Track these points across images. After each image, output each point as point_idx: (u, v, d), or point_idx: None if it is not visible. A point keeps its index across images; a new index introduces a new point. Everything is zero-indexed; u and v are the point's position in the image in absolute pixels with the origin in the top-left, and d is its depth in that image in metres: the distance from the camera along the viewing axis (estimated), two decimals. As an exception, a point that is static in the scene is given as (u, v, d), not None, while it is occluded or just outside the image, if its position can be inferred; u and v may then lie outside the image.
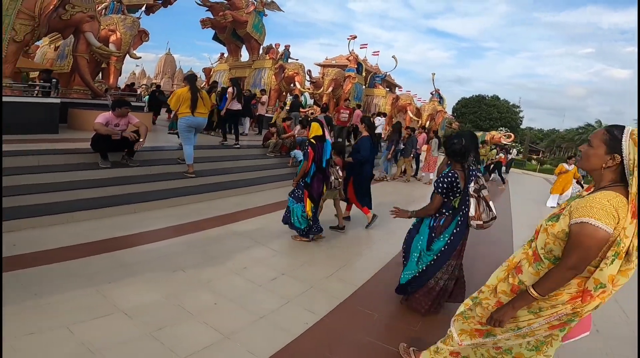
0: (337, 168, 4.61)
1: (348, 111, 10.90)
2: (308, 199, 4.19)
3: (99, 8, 10.25)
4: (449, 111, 35.14)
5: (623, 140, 1.44)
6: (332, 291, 3.26)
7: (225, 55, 18.56)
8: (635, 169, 1.41)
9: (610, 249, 1.42)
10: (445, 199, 2.77)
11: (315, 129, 4.25)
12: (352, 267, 3.89)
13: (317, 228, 4.39)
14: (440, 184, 2.73)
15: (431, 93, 22.41)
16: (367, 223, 5.20)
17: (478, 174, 2.75)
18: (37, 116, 6.33)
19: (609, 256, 1.43)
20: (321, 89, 16.02)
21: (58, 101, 6.74)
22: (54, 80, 7.45)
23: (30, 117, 6.21)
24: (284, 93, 15.83)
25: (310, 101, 17.91)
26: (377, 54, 29.69)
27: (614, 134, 1.48)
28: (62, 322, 2.30)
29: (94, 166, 5.13)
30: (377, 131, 9.97)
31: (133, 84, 16.43)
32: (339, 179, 4.55)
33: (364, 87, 19.12)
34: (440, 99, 22.09)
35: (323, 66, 28.92)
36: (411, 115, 19.18)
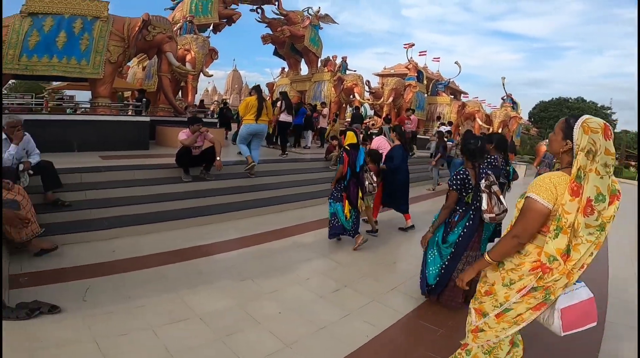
0: (372, 173, 4.86)
1: (412, 121, 10.70)
2: (347, 201, 4.52)
3: (175, 29, 11.39)
4: (525, 116, 32.36)
5: (575, 128, 1.62)
6: (395, 305, 3.25)
7: (286, 69, 19.40)
8: (580, 152, 1.57)
9: (552, 223, 1.62)
10: (459, 196, 3.05)
11: (350, 138, 4.67)
12: (416, 281, 3.82)
13: (355, 230, 4.61)
14: (454, 181, 3.04)
15: (502, 98, 20.93)
16: (406, 226, 5.57)
17: (488, 171, 3.03)
18: (131, 133, 7.28)
19: (551, 231, 1.62)
20: (381, 100, 15.93)
21: (148, 119, 7.66)
22: (144, 99, 8.46)
23: (126, 135, 7.17)
24: (344, 105, 16.05)
25: (371, 112, 17.86)
26: (438, 61, 28.65)
27: (569, 122, 1.66)
28: (148, 324, 2.61)
29: (178, 180, 5.74)
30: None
31: (202, 101, 17.67)
32: (374, 184, 4.78)
33: (425, 95, 18.64)
34: (514, 104, 20.53)
35: (382, 75, 28.64)
36: (480, 122, 18.13)
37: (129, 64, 11.58)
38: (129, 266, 3.57)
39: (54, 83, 15.16)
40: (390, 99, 15.72)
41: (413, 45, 18.24)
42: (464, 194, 3.04)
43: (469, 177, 3.02)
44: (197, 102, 13.21)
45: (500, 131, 17.91)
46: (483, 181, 2.95)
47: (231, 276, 3.54)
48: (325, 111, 12.44)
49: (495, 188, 2.96)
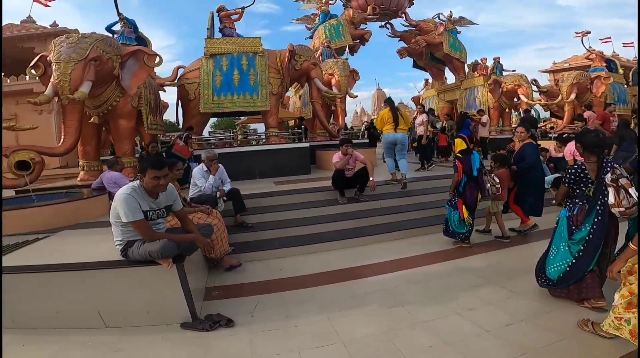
0: (493, 176, 4.82)
1: (616, 119, 8.38)
2: (463, 207, 4.55)
3: (316, 55, 12.28)
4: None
5: None
6: (597, 346, 2.43)
7: (430, 81, 18.31)
8: None
9: None
10: (575, 190, 3.06)
11: (460, 144, 4.69)
12: None
13: (467, 235, 4.68)
14: (567, 176, 3.08)
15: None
16: (523, 229, 5.12)
17: (615, 165, 2.86)
18: (295, 159, 8.20)
19: None
20: (559, 98, 12.88)
21: (307, 145, 8.50)
22: (302, 127, 9.46)
23: (291, 161, 8.12)
24: (506, 110, 13.87)
25: (545, 114, 14.85)
26: (631, 46, 21.82)
27: None
28: (296, 345, 2.70)
29: (334, 202, 6.06)
30: None
31: (345, 125, 18.27)
32: (496, 186, 4.70)
33: (625, 86, 14.39)
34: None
35: (552, 71, 23.60)
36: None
37: (287, 94, 13.09)
38: (290, 285, 3.87)
39: (241, 118, 18.60)
40: (573, 95, 12.51)
41: (588, 33, 14.47)
42: (582, 187, 3.01)
43: (585, 171, 2.98)
44: (349, 124, 13.85)
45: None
46: (609, 174, 2.79)
47: (383, 301, 3.38)
48: (485, 118, 11.02)
49: (624, 181, 2.75)
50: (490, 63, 14.87)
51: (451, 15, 15.65)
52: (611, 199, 2.76)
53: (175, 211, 3.32)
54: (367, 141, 12.12)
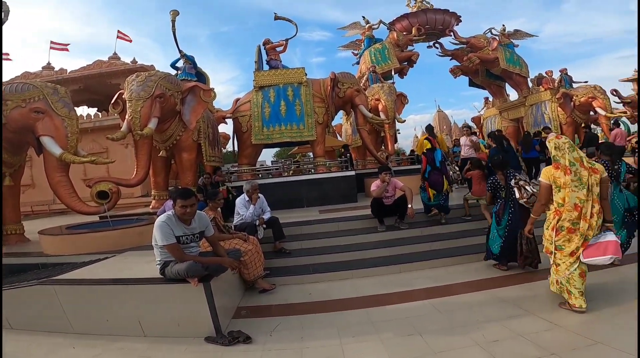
0: (455, 166, 6.59)
1: None
2: (429, 188, 6.22)
3: (362, 81, 12.18)
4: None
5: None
6: None
7: (490, 99, 17.26)
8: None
9: (554, 186, 3.27)
10: (495, 194, 4.70)
11: (426, 144, 6.54)
12: None
13: (440, 208, 6.26)
14: (488, 186, 4.78)
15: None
16: None
17: (515, 173, 4.52)
18: (342, 187, 8.30)
19: (554, 189, 3.27)
20: None
21: (352, 173, 8.55)
22: (348, 155, 9.50)
23: (338, 189, 8.24)
24: (582, 125, 12.54)
25: (633, 127, 13.15)
26: None
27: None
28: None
29: (374, 230, 6.04)
30: None
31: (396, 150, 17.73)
32: (457, 173, 6.55)
33: None
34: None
35: (635, 80, 20.81)
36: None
37: (340, 122, 13.05)
38: (315, 308, 3.96)
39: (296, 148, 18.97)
40: None
41: None
42: (500, 192, 4.63)
43: (498, 182, 4.63)
44: (407, 150, 13.55)
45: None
46: (512, 181, 4.33)
47: (400, 329, 3.29)
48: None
49: (522, 182, 4.24)
50: (556, 76, 13.80)
51: (504, 29, 14.93)
52: (517, 195, 4.20)
53: (207, 237, 3.70)
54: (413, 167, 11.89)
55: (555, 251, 3.32)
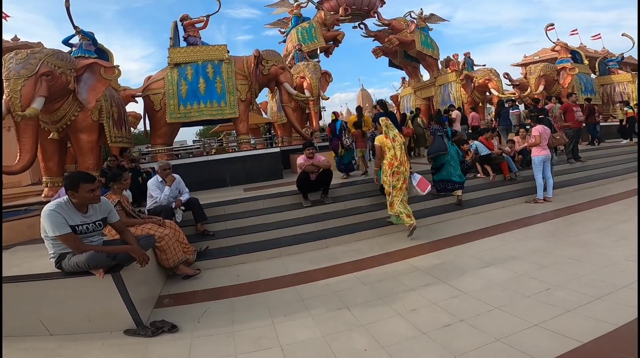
0: (348, 135, 7.45)
1: (580, 108, 8.60)
2: (332, 151, 7.84)
3: (288, 59, 12.17)
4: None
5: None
6: (529, 351, 2.37)
7: (407, 79, 18.54)
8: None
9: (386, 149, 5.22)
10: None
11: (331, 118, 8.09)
12: (577, 313, 2.79)
13: (342, 169, 7.74)
14: (368, 140, 7.83)
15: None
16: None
17: (347, 134, 7.36)
18: (267, 164, 8.19)
19: (386, 151, 5.21)
20: (528, 91, 13.24)
21: (277, 150, 8.48)
22: (271, 131, 9.42)
23: (263, 167, 8.10)
24: (480, 104, 14.22)
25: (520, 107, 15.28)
26: (599, 38, 23.22)
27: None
28: (235, 351, 2.71)
29: (299, 205, 6.07)
30: None
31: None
32: (349, 140, 7.41)
33: (593, 76, 15.07)
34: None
35: (523, 65, 24.38)
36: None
37: (265, 99, 12.86)
38: (243, 290, 3.88)
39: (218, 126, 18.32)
40: (541, 87, 12.90)
41: (552, 26, 15.13)
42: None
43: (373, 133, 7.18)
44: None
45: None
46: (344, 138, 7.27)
47: (330, 304, 3.39)
48: (455, 114, 11.19)
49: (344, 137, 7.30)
50: (461, 59, 15.15)
51: (422, 13, 15.81)
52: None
53: (112, 224, 3.31)
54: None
55: (392, 191, 5.08)
